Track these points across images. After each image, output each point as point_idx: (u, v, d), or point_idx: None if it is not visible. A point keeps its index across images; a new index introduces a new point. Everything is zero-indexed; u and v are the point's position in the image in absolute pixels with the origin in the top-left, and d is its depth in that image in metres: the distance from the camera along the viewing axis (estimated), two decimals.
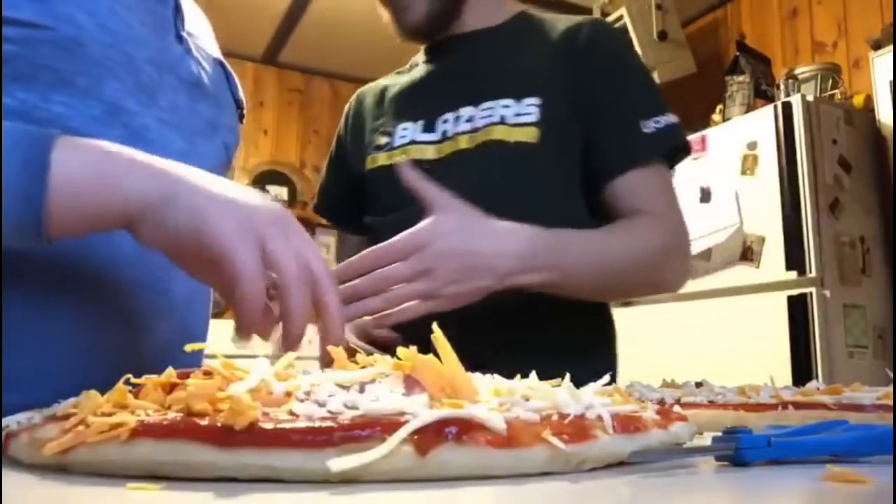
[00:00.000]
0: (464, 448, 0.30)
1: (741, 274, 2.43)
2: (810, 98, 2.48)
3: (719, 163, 2.56)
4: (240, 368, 0.37)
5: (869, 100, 2.62)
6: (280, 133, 4.40)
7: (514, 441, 0.31)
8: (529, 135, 0.88)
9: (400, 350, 0.38)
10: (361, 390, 0.35)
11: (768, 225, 2.37)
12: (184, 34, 0.72)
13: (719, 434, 0.37)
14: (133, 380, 0.37)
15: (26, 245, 0.48)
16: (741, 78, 2.86)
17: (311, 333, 0.51)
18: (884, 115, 2.52)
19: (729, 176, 2.52)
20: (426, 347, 0.38)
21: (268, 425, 0.30)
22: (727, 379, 0.72)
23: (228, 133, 0.77)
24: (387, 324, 0.73)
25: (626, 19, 3.08)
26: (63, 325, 0.60)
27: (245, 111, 0.84)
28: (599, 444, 0.33)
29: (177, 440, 0.30)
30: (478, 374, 0.41)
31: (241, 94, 0.83)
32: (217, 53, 0.80)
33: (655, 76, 3.08)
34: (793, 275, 2.30)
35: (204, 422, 0.30)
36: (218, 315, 0.83)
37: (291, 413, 0.31)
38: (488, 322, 0.78)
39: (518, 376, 0.43)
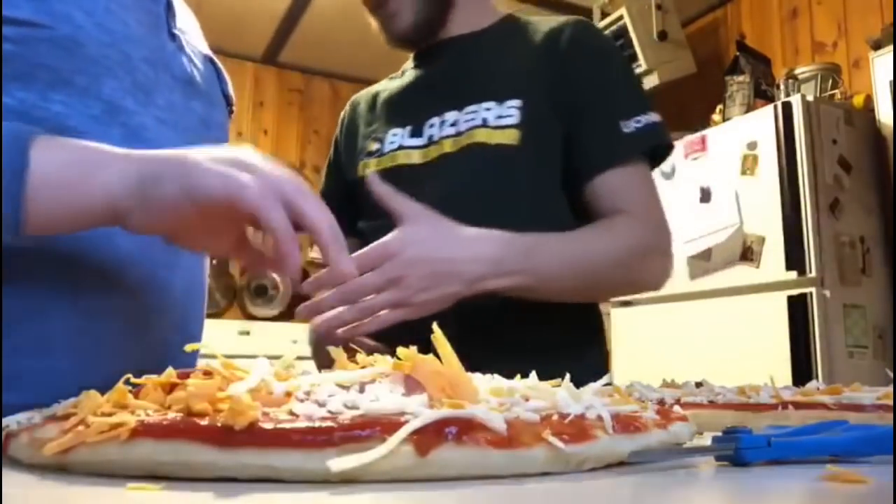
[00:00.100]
0: (464, 448, 0.30)
1: (741, 274, 2.43)
2: (810, 98, 2.48)
3: (719, 163, 2.56)
4: (240, 368, 0.37)
5: (869, 100, 2.62)
6: (280, 133, 4.40)
7: (515, 441, 0.31)
8: (510, 137, 0.89)
9: (400, 350, 0.38)
10: (361, 390, 0.35)
11: (768, 225, 2.37)
12: (176, 31, 0.72)
13: (719, 434, 0.37)
14: (133, 380, 0.37)
15: (6, 239, 0.48)
16: (741, 78, 2.86)
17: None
18: (884, 115, 2.52)
19: (729, 176, 2.51)
20: (426, 347, 0.38)
21: (268, 425, 0.30)
22: (727, 379, 0.72)
23: (219, 130, 0.77)
24: (357, 334, 0.73)
25: (626, 19, 3.08)
26: (63, 325, 0.60)
27: (234, 107, 0.84)
28: (599, 444, 0.33)
29: (177, 440, 0.30)
30: (478, 374, 0.41)
31: (231, 90, 0.83)
32: (206, 49, 0.80)
33: (655, 76, 3.08)
34: (793, 275, 2.30)
35: (204, 422, 0.30)
36: (217, 315, 0.83)
37: (291, 413, 0.31)
38: (480, 321, 0.78)
39: (518, 376, 0.43)
